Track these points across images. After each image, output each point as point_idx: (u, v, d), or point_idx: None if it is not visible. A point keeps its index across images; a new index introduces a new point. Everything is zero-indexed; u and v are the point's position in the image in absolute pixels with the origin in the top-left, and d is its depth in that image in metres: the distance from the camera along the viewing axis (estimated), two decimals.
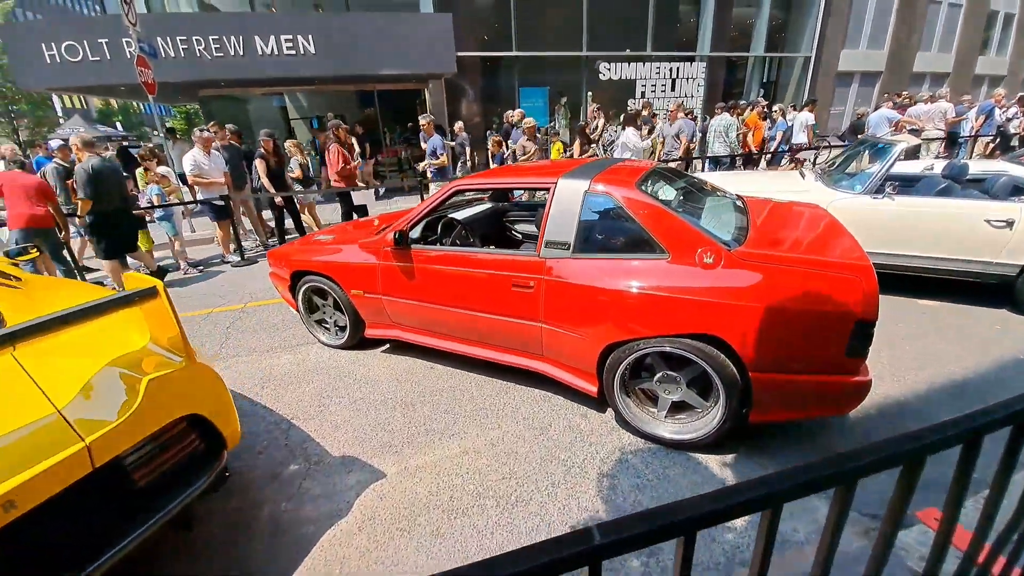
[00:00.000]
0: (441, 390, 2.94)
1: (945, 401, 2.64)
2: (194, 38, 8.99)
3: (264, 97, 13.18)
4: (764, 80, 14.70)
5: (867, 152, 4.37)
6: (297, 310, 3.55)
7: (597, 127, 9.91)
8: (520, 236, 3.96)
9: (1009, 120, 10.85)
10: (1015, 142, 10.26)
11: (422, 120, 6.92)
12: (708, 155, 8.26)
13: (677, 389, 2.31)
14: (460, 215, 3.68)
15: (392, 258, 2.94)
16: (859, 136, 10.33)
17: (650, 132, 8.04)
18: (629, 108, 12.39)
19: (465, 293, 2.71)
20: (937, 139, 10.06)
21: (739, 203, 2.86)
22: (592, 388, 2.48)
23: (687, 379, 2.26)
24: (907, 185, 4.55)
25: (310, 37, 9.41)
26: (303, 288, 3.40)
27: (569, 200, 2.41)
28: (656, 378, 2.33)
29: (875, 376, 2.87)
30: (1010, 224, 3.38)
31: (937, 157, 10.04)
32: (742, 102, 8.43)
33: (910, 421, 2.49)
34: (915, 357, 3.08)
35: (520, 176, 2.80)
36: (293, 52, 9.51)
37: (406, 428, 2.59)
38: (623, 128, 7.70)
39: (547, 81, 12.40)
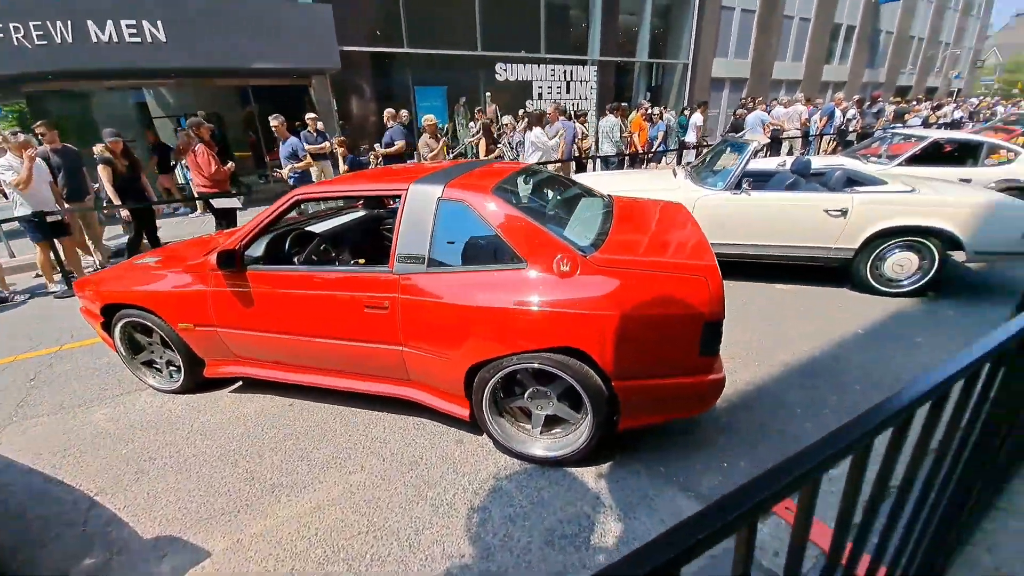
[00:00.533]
0: (298, 432, 2.55)
1: (797, 381, 2.81)
2: (11, 24, 7.40)
3: (115, 92, 11.32)
4: (652, 84, 15.70)
5: (728, 151, 4.67)
6: (116, 351, 2.92)
7: (502, 127, 9.89)
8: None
9: (849, 120, 12.64)
10: (852, 138, 11.97)
11: (273, 121, 6.26)
12: (598, 155, 8.52)
13: (548, 404, 2.18)
14: (322, 226, 3.28)
15: (224, 283, 2.49)
16: (738, 135, 11.47)
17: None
18: (528, 108, 12.55)
19: (313, 318, 2.36)
20: (796, 137, 11.42)
21: (607, 205, 2.82)
22: (463, 412, 2.27)
23: (557, 392, 2.13)
24: (764, 180, 4.97)
25: (158, 23, 8.19)
26: (120, 324, 2.79)
27: (422, 208, 2.17)
28: (527, 394, 2.18)
29: (738, 362, 3.10)
30: (844, 213, 3.77)
31: (790, 153, 11.39)
32: (624, 104, 8.80)
33: (768, 405, 2.61)
34: (772, 340, 3.29)
35: (369, 182, 2.50)
36: (138, 39, 8.21)
37: (247, 487, 2.18)
38: (529, 128, 7.69)
39: (444, 80, 12.10)
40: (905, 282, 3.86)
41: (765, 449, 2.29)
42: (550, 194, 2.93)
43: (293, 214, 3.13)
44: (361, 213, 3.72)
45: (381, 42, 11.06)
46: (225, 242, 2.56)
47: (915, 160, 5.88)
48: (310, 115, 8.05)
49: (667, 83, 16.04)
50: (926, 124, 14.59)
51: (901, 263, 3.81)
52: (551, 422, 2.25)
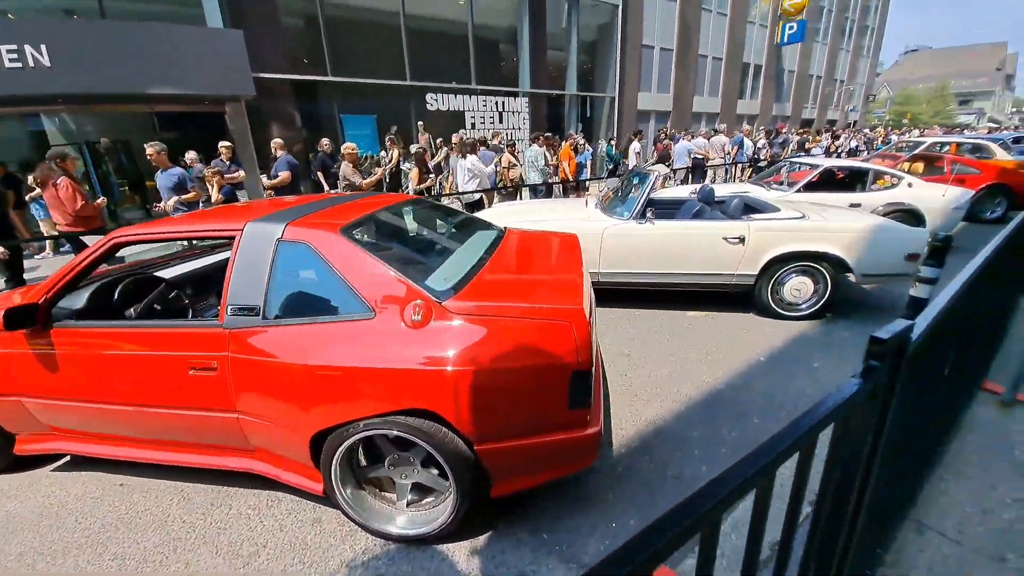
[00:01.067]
0: (122, 519, 2.09)
1: (699, 416, 2.71)
2: None
3: (7, 119, 10.15)
4: (582, 116, 16.29)
5: (636, 181, 4.72)
6: None
7: (436, 156, 9.74)
8: None
9: (759, 149, 13.64)
10: (763, 166, 12.90)
11: (149, 149, 5.71)
12: (524, 184, 8.54)
13: (412, 471, 1.90)
14: (178, 270, 2.88)
15: (26, 344, 2.04)
16: (667, 164, 12.06)
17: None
18: (462, 138, 12.54)
19: (134, 383, 1.97)
20: (721, 165, 12.15)
21: (495, 240, 2.64)
22: (316, 486, 1.93)
23: (420, 458, 1.86)
24: (676, 208, 5.08)
25: (43, 48, 7.46)
26: None
27: (258, 251, 1.88)
28: (387, 462, 1.90)
29: (642, 399, 2.95)
30: (742, 240, 3.84)
31: (714, 181, 12.06)
32: (548, 135, 8.96)
33: (668, 445, 2.47)
34: (678, 372, 3.20)
35: (200, 222, 2.17)
36: (19, 65, 7.44)
37: None
38: (462, 156, 7.56)
39: (373, 109, 11.88)
40: (803, 306, 3.96)
41: (663, 498, 2.12)
42: (433, 230, 2.73)
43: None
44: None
45: (303, 70, 10.72)
46: (27, 294, 2.12)
47: (812, 187, 6.28)
48: (223, 143, 7.55)
49: (597, 115, 16.72)
50: (827, 152, 16.08)
51: (798, 287, 3.92)
52: (423, 490, 1.97)
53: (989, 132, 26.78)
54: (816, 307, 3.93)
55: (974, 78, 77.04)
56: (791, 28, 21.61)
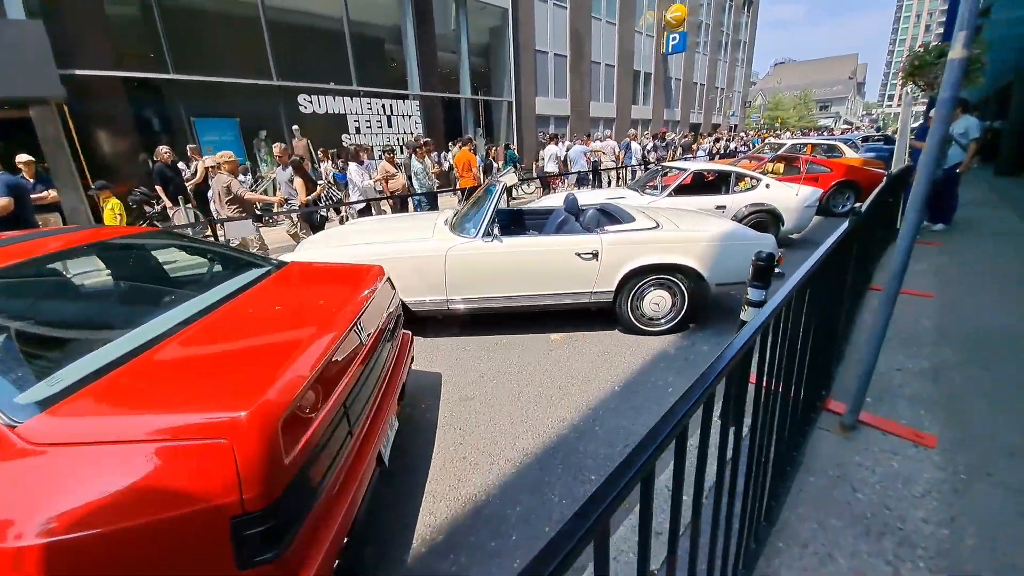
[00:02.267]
0: None
1: (532, 480, 2.23)
2: None
3: None
4: (481, 120, 15.91)
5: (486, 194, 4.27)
6: None
7: (315, 164, 8.68)
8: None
9: (648, 152, 14.11)
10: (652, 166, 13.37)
11: None
12: (407, 194, 7.86)
13: None
14: None
15: None
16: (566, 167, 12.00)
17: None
18: (345, 144, 11.55)
19: None
20: (612, 168, 12.32)
21: (231, 289, 1.96)
22: None
23: None
24: (544, 219, 4.71)
25: None
26: None
27: None
28: None
29: (469, 463, 2.30)
30: (595, 255, 3.49)
31: (609, 184, 12.21)
32: (427, 141, 8.33)
33: (484, 532, 1.95)
34: (520, 420, 2.73)
35: None
36: None
37: None
38: (345, 163, 6.66)
39: (233, 111, 10.49)
40: (662, 320, 3.71)
41: None
42: (147, 280, 1.99)
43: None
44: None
45: (136, 67, 9.12)
46: None
47: (683, 190, 6.30)
48: (22, 157, 6.04)
49: (495, 119, 16.45)
50: (710, 154, 17.19)
51: (656, 301, 3.66)
52: None
53: (842, 133, 30.80)
54: (675, 321, 3.70)
55: (831, 86, 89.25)
56: (674, 39, 23.06)
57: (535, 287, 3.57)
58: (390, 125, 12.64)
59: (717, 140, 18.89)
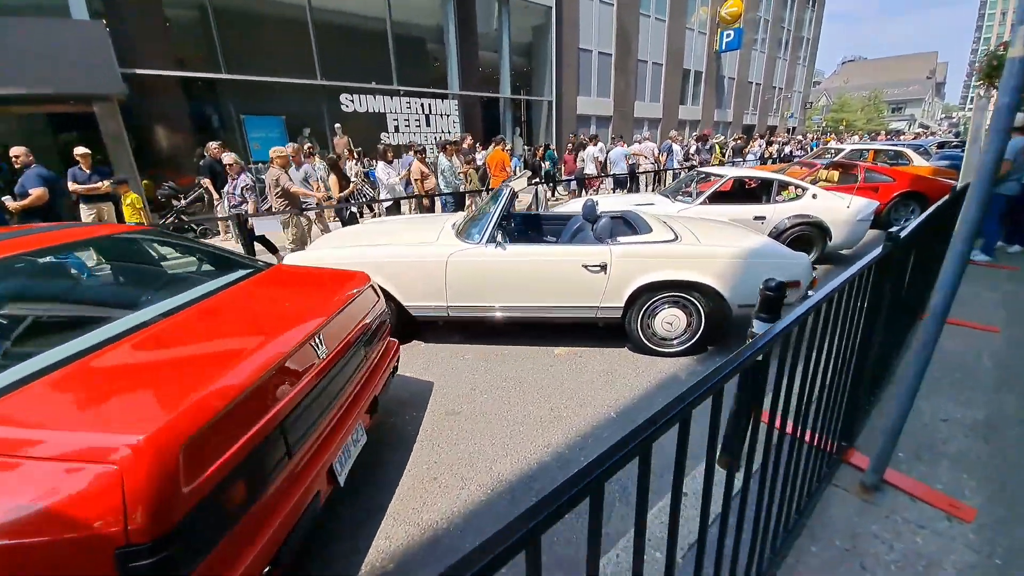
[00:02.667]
0: None
1: (498, 513, 2.07)
2: None
3: None
4: (520, 119, 15.77)
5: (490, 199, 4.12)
6: None
7: (349, 162, 8.88)
8: None
9: (691, 154, 13.49)
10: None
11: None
12: (435, 193, 7.85)
13: None
14: None
15: None
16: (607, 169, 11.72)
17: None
18: (383, 142, 11.76)
19: None
20: (651, 171, 11.85)
21: (204, 291, 1.92)
22: None
23: None
24: (560, 225, 4.51)
25: None
26: None
27: None
28: None
29: (435, 488, 2.14)
30: (604, 268, 3.26)
31: (647, 188, 11.76)
32: (454, 142, 8.24)
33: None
34: (501, 443, 2.56)
35: None
36: None
37: None
38: (374, 163, 6.77)
39: (280, 110, 10.89)
40: (675, 341, 3.43)
41: None
42: (128, 280, 1.98)
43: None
44: None
45: (191, 67, 9.64)
46: None
47: (719, 198, 5.89)
48: (79, 150, 6.49)
49: (535, 119, 16.26)
50: (762, 158, 16.21)
51: (669, 320, 3.38)
52: None
53: (915, 138, 28.29)
54: (690, 343, 3.40)
55: (906, 86, 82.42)
56: (728, 36, 21.93)
57: (539, 298, 3.39)
58: (428, 124, 12.75)
59: (771, 143, 17.80)
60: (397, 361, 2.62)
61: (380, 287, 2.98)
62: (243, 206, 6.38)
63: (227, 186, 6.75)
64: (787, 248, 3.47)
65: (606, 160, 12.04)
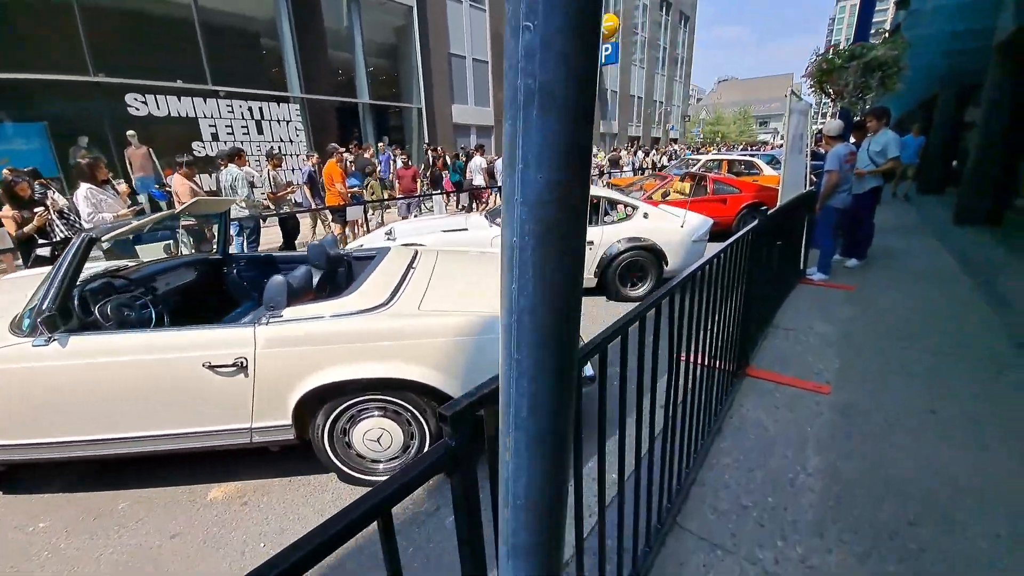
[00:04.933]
0: None
1: None
2: None
3: None
4: (386, 128, 14.27)
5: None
6: None
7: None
8: None
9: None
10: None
11: None
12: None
13: None
14: None
15: None
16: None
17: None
18: (195, 152, 9.63)
19: None
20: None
21: None
22: None
23: None
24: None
25: None
26: None
27: None
28: None
29: None
30: (242, 366, 1.94)
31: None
32: (240, 150, 6.52)
33: None
34: None
35: None
36: None
37: None
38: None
39: (40, 114, 8.38)
40: (381, 468, 2.20)
41: None
42: None
43: None
44: None
45: None
46: None
47: None
48: None
49: (406, 127, 14.88)
50: (639, 169, 16.31)
51: (375, 436, 2.14)
52: None
53: (773, 148, 31.25)
54: (396, 462, 2.19)
55: (769, 103, 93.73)
56: (607, 50, 22.34)
57: (139, 423, 1.97)
58: (260, 131, 10.79)
59: (647, 154, 18.11)
60: None
61: None
62: None
63: None
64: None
65: (492, 170, 10.95)
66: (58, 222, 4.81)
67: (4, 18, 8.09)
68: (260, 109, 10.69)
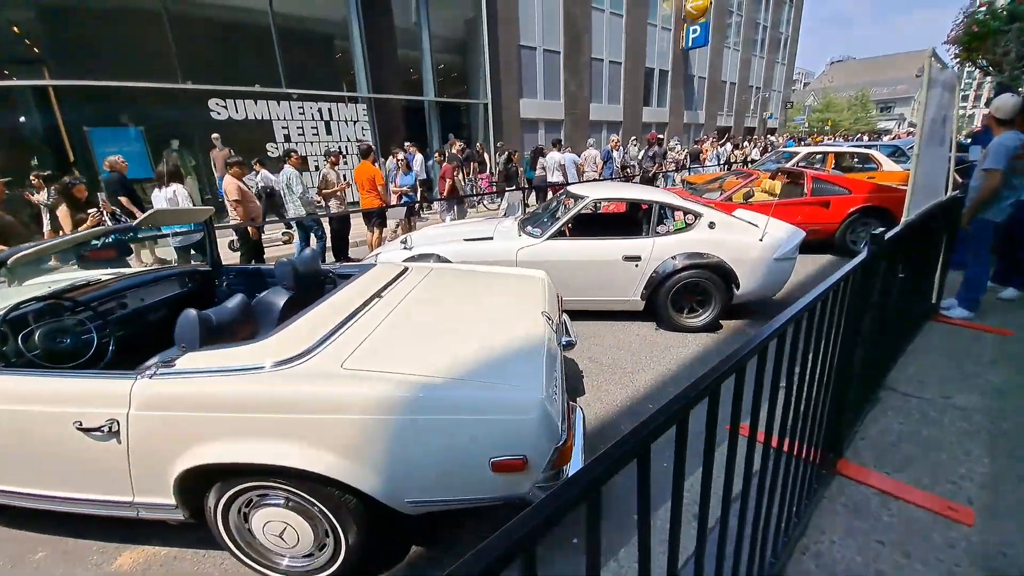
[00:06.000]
0: None
1: None
2: None
3: None
4: (451, 125, 14.09)
5: None
6: None
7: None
8: None
9: (630, 160, 11.89)
10: (638, 179, 11.07)
11: None
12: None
13: None
14: None
15: None
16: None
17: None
18: (270, 153, 10.10)
19: None
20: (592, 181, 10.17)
21: None
22: None
23: None
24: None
25: None
26: None
27: None
28: None
29: None
30: (112, 430, 1.53)
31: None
32: (294, 152, 6.46)
33: None
34: None
35: None
36: None
37: None
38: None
39: (137, 119, 9.21)
40: (318, 560, 1.68)
41: None
42: None
43: None
44: None
45: (17, 74, 7.98)
46: None
47: (585, 227, 4.20)
48: None
49: (473, 122, 14.61)
50: (727, 163, 14.56)
51: (276, 530, 1.63)
52: None
53: (894, 138, 26.70)
54: (325, 564, 1.66)
55: (894, 85, 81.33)
56: (695, 31, 20.40)
57: (9, 479, 1.66)
58: (329, 132, 11.07)
59: (738, 147, 16.17)
60: None
61: None
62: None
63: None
64: (506, 387, 1.66)
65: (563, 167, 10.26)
66: (110, 223, 5.04)
67: (106, 30, 8.95)
68: (329, 110, 10.96)
